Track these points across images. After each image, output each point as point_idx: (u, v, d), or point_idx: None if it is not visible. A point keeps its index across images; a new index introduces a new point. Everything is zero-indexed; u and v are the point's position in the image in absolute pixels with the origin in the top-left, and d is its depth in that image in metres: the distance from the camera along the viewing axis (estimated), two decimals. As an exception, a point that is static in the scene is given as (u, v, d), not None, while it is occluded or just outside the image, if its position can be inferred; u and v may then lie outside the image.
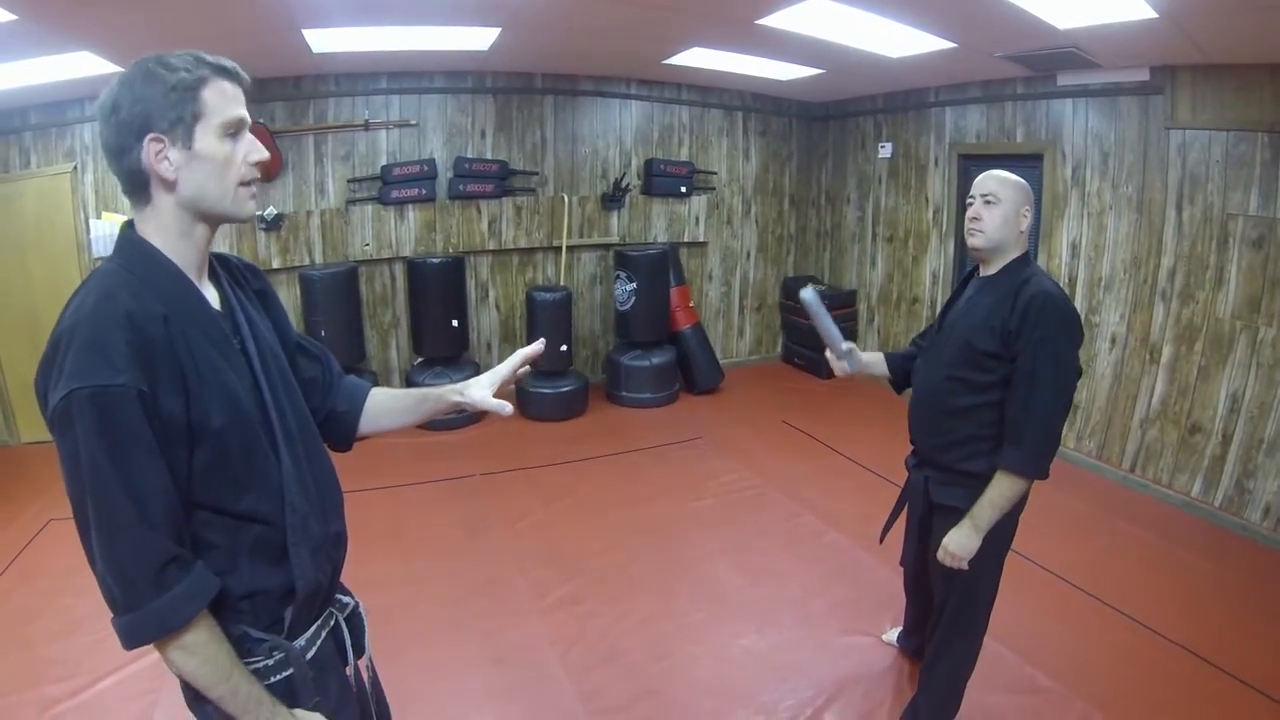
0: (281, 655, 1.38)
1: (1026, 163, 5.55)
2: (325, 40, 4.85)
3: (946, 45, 4.83)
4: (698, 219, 7.46)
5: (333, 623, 1.55)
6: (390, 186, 6.11)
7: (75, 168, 5.46)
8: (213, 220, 1.33)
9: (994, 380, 2.32)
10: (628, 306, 6.59)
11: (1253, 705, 3.06)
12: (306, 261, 6.01)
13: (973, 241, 2.40)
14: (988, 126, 6.00)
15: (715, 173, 7.51)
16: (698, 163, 7.37)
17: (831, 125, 7.86)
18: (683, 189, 7.24)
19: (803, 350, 7.84)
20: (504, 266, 6.84)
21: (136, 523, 1.15)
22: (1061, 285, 5.34)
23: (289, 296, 6.01)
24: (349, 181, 6.11)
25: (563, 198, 6.77)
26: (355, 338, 6.00)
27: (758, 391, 7.28)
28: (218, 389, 1.26)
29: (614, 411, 6.69)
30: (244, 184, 1.31)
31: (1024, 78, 5.52)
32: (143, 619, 1.18)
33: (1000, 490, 2.30)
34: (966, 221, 2.42)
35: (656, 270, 6.62)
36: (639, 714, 3.00)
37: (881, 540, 3.02)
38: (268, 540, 1.35)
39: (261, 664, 1.35)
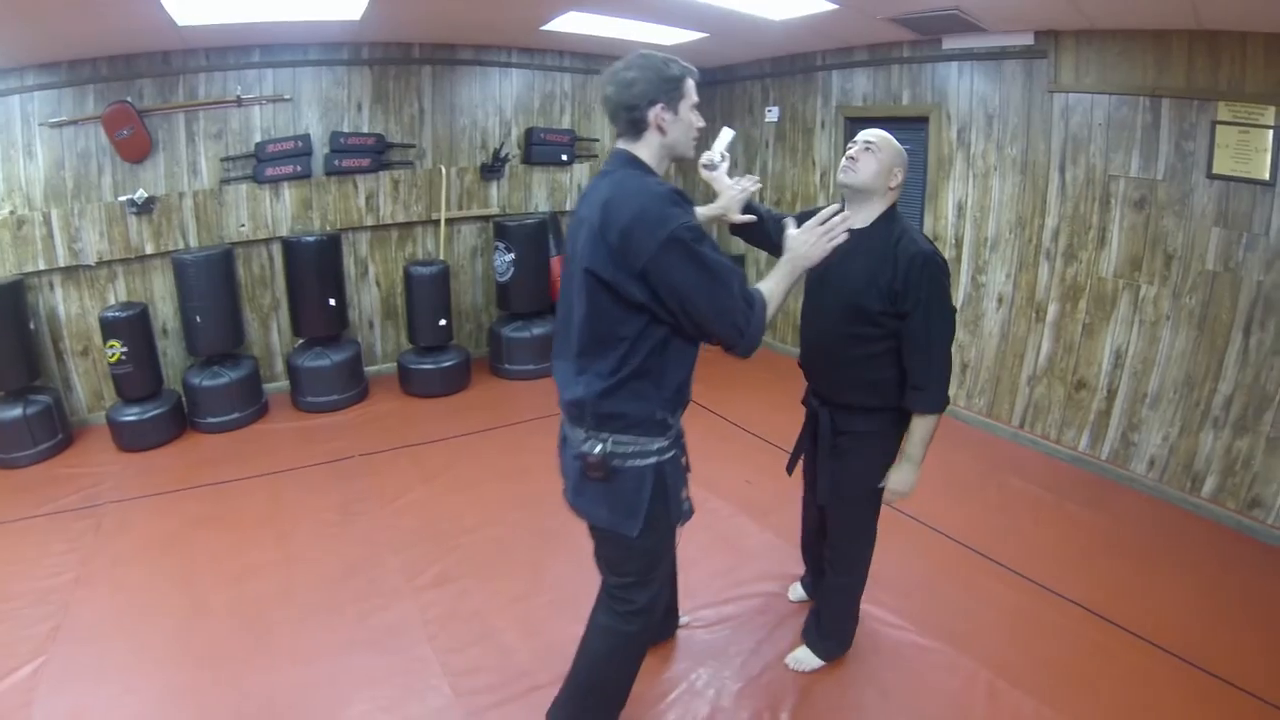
0: (675, 436, 2.23)
1: (912, 125, 5.54)
2: (189, 12, 4.50)
3: (828, 7, 4.75)
4: (580, 188, 7.26)
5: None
6: (264, 164, 5.79)
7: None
8: (675, 158, 2.17)
9: (885, 333, 2.53)
10: (507, 277, 6.43)
11: (1140, 655, 3.08)
12: (180, 245, 5.65)
13: (843, 178, 2.58)
14: (874, 89, 5.97)
15: (598, 140, 7.32)
16: (580, 130, 7.20)
17: (719, 90, 7.73)
18: (564, 157, 7.06)
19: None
20: (383, 242, 6.59)
21: (737, 280, 1.99)
22: (948, 245, 5.41)
23: (163, 282, 5.67)
24: (222, 160, 5.75)
25: (441, 170, 6.55)
26: (233, 322, 5.65)
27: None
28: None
29: (497, 385, 6.52)
30: (693, 140, 2.17)
31: (910, 41, 5.49)
32: (757, 328, 1.99)
33: (924, 428, 2.59)
34: (843, 161, 2.59)
35: (536, 240, 6.47)
36: (509, 694, 2.87)
37: (790, 471, 3.05)
38: (690, 354, 2.16)
39: (660, 444, 2.18)
